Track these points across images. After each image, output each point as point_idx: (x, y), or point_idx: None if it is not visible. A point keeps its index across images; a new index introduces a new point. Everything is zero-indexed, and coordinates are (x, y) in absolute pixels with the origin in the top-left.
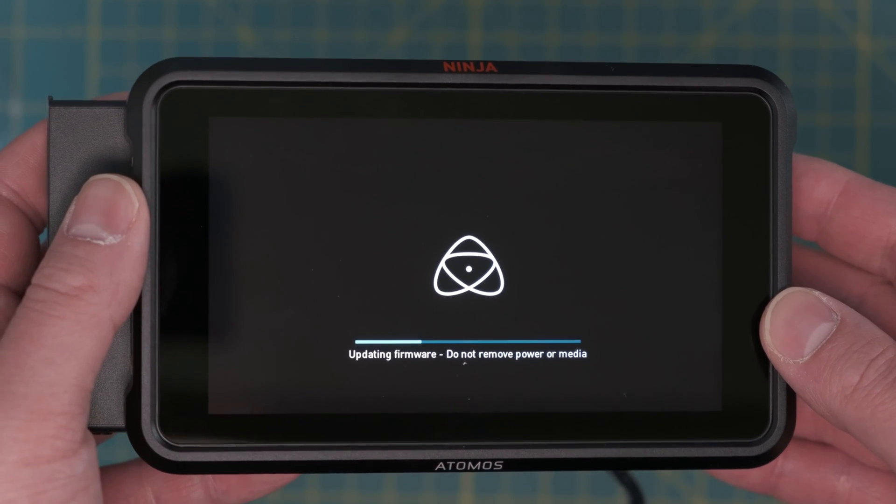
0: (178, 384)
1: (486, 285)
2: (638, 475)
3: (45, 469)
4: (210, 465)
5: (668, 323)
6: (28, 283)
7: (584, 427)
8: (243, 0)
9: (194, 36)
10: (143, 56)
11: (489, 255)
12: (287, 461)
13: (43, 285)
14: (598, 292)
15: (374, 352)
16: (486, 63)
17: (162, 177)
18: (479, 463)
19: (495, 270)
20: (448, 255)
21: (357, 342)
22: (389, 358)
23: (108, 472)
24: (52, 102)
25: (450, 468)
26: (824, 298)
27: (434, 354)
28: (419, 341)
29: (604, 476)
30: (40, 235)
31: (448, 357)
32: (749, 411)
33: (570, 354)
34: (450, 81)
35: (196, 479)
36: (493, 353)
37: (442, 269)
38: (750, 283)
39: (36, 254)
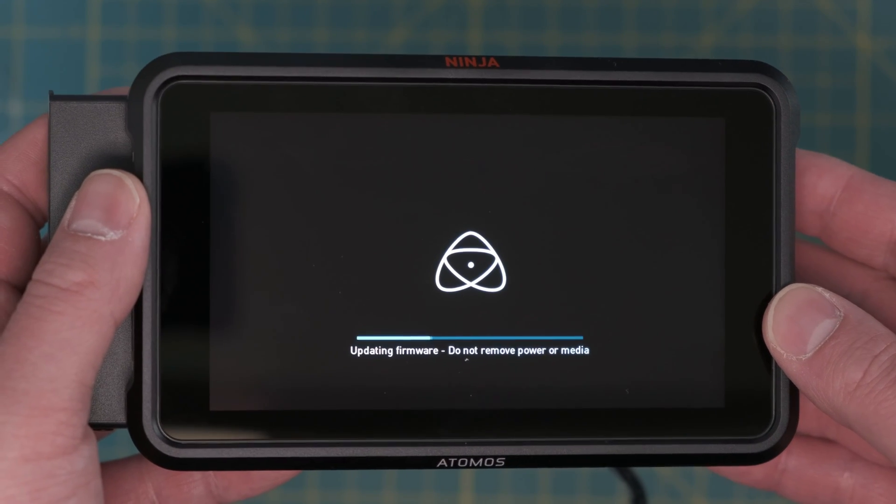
0: (180, 380)
1: (488, 281)
2: (639, 472)
3: (45, 465)
4: (211, 461)
5: (671, 319)
6: (29, 278)
7: (586, 423)
8: (243, 0)
9: (194, 36)
10: (143, 56)
11: (491, 251)
12: (288, 457)
13: (44, 281)
14: (601, 288)
15: (376, 348)
16: (488, 58)
17: (163, 172)
18: (480, 459)
19: (497, 266)
20: (450, 250)
21: (359, 338)
22: (391, 354)
23: (108, 468)
24: (53, 97)
25: (451, 464)
26: (827, 294)
27: (436, 351)
28: (421, 337)
29: (604, 475)
30: (41, 230)
31: (450, 353)
32: (752, 408)
33: (573, 351)
34: (452, 76)
35: (197, 475)
36: (495, 349)
37: (444, 265)
38: (753, 278)
39: (36, 249)
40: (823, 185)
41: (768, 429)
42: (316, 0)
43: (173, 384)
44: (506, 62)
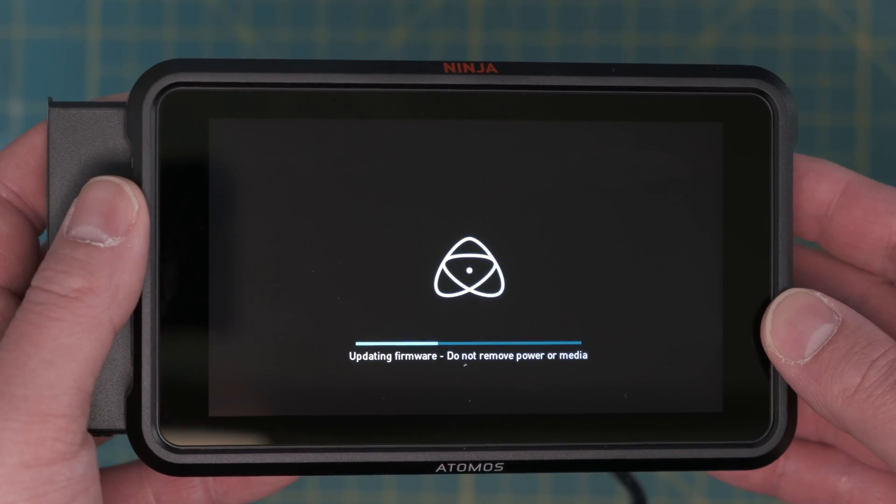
0: (179, 386)
1: (487, 287)
2: (638, 475)
3: (44, 471)
4: (210, 467)
5: (669, 324)
6: (28, 284)
7: (584, 428)
8: (243, 0)
9: (194, 36)
10: (143, 56)
11: (490, 256)
12: (288, 463)
13: (42, 287)
14: (599, 294)
15: (375, 353)
16: (486, 64)
17: (162, 178)
18: (479, 464)
19: (496, 272)
20: (448, 256)
21: (357, 344)
22: (390, 360)
23: (107, 473)
24: (52, 104)
25: (450, 470)
26: (825, 299)
27: (435, 356)
28: (420, 343)
29: (604, 477)
30: (40, 237)
31: (449, 359)
32: (750, 412)
33: (571, 356)
34: (450, 82)
35: (196, 480)
36: (493, 354)
37: (442, 271)
38: (751, 283)
39: (35, 255)
40: (821, 189)
41: (766, 433)
42: (316, 0)
43: (172, 390)
44: (504, 68)
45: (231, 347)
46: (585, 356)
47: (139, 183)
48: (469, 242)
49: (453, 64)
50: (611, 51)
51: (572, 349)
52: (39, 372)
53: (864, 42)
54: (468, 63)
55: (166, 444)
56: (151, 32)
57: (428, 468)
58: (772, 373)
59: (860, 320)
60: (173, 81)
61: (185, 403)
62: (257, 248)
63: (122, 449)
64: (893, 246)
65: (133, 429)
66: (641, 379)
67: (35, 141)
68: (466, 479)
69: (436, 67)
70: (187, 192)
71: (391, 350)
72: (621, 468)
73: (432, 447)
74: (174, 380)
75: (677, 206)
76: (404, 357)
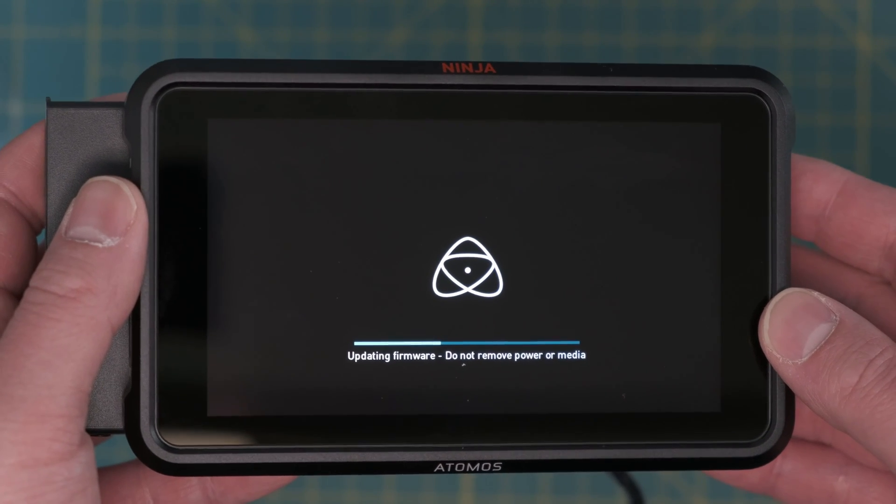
0: (177, 386)
1: (485, 286)
2: (637, 475)
3: (42, 471)
4: (209, 466)
5: (667, 324)
6: (26, 284)
7: (583, 428)
8: (243, 0)
9: (194, 36)
10: (143, 56)
11: (488, 256)
12: (286, 463)
13: (41, 288)
14: (597, 293)
15: (373, 353)
16: (484, 64)
17: (160, 179)
18: (478, 464)
19: (494, 272)
20: (447, 256)
21: (356, 344)
22: (388, 359)
23: (105, 473)
24: (50, 104)
25: (449, 469)
26: (823, 299)
27: (433, 356)
28: (418, 343)
29: (604, 477)
30: (38, 237)
31: (447, 358)
32: (748, 412)
33: (569, 355)
34: (448, 82)
35: (194, 480)
36: (492, 354)
37: (441, 271)
38: (748, 283)
39: (33, 255)
40: (819, 189)
41: (764, 433)
42: (316, 0)
43: (171, 390)
44: (503, 68)
45: (229, 347)
46: (583, 356)
47: (137, 183)
48: (467, 242)
49: (451, 64)
50: (611, 51)
51: (570, 349)
52: (37, 372)
53: (864, 42)
54: (466, 63)
55: (164, 444)
56: (151, 32)
57: (426, 468)
58: (769, 372)
59: (857, 320)
60: (172, 81)
61: (184, 403)
62: (256, 248)
63: (120, 449)
64: (890, 246)
65: (131, 429)
66: (639, 379)
67: (33, 141)
68: (466, 480)
69: (434, 67)
70: (186, 193)
71: (390, 350)
72: (619, 468)
73: (431, 447)
74: (172, 380)
75: (675, 206)
76: (403, 357)
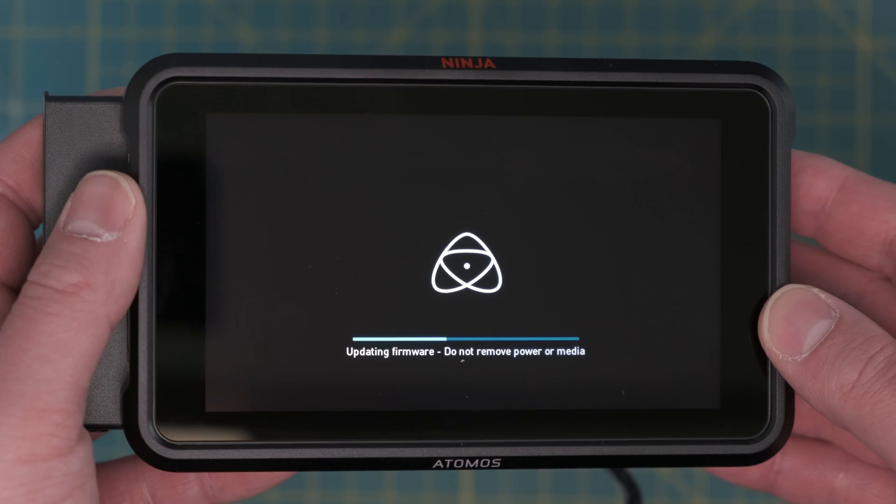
0: (175, 381)
1: (484, 282)
2: (637, 473)
3: (41, 467)
4: (207, 462)
5: (667, 320)
6: (24, 279)
7: (582, 424)
8: (243, 0)
9: (194, 36)
10: (143, 56)
11: (487, 252)
12: (284, 459)
13: (39, 282)
14: (597, 289)
15: (372, 349)
16: (484, 59)
17: (159, 173)
18: (476, 460)
19: (493, 267)
20: (446, 252)
21: (355, 339)
22: (387, 355)
23: (103, 468)
24: (49, 98)
25: (447, 466)
26: (823, 295)
27: (432, 352)
28: (417, 339)
29: (604, 475)
30: (36, 231)
31: (446, 354)
32: (747, 409)
33: (569, 352)
34: (448, 77)
35: (192, 476)
36: (491, 350)
37: (440, 267)
38: (748, 279)
39: (32, 250)
40: (819, 185)
41: (764, 430)
42: (316, 0)
43: (169, 385)
44: (502, 63)
45: (228, 343)
46: (583, 352)
47: (136, 177)
48: (466, 238)
49: (451, 59)
50: (611, 51)
51: (570, 345)
52: (36, 367)
53: (864, 42)
54: (466, 58)
55: (162, 440)
56: (151, 32)
57: (425, 464)
58: (769, 369)
59: (857, 316)
60: (170, 76)
61: (182, 399)
62: (254, 243)
63: (118, 443)
64: (890, 242)
65: (129, 424)
66: (639, 375)
67: (31, 135)
68: (466, 479)
69: (433, 62)
70: (184, 187)
71: (388, 346)
72: (618, 464)
73: (429, 443)
74: (170, 375)
75: (675, 202)
76: (402, 353)
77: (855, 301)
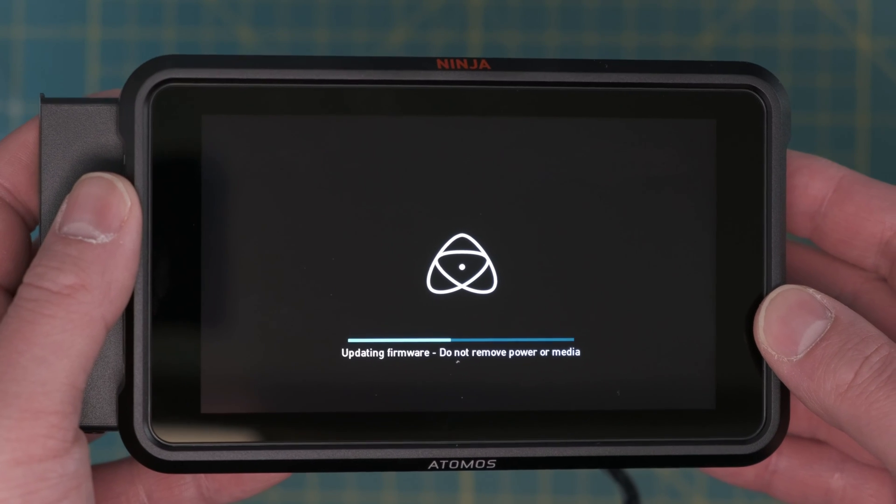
0: (171, 383)
1: (480, 283)
2: (636, 473)
3: (36, 468)
4: (202, 464)
5: (662, 320)
6: (20, 281)
7: (577, 425)
8: (243, 0)
9: (194, 36)
10: (143, 56)
11: (482, 252)
12: (280, 460)
13: (35, 284)
14: (592, 290)
15: (367, 350)
16: (479, 60)
17: (154, 175)
18: (472, 461)
19: (488, 268)
20: (441, 252)
21: (350, 340)
22: (382, 356)
23: (99, 470)
24: (44, 100)
25: (443, 467)
26: (818, 296)
27: (427, 353)
28: (412, 340)
29: (604, 475)
30: (32, 233)
31: (441, 355)
32: (743, 409)
33: (564, 352)
34: (443, 78)
35: (188, 477)
36: (486, 351)
37: (435, 267)
38: (744, 280)
39: (28, 252)
40: (814, 186)
41: (759, 430)
42: (316, 0)
43: (164, 387)
44: (497, 64)
45: (223, 344)
46: (578, 353)
47: (131, 179)
48: (462, 239)
49: (446, 60)
50: (611, 51)
51: (565, 346)
52: (31, 369)
53: (864, 42)
54: (461, 59)
55: (158, 441)
56: (151, 32)
57: (420, 465)
58: (765, 369)
59: (853, 317)
60: (166, 78)
61: (177, 400)
62: (250, 244)
63: (114, 445)
64: (886, 242)
65: (125, 426)
66: (634, 376)
67: (27, 137)
68: (466, 479)
69: (429, 64)
70: (180, 189)
71: (384, 347)
72: (614, 465)
73: (425, 444)
74: (166, 376)
75: (670, 203)
76: (397, 354)
77: (851, 301)
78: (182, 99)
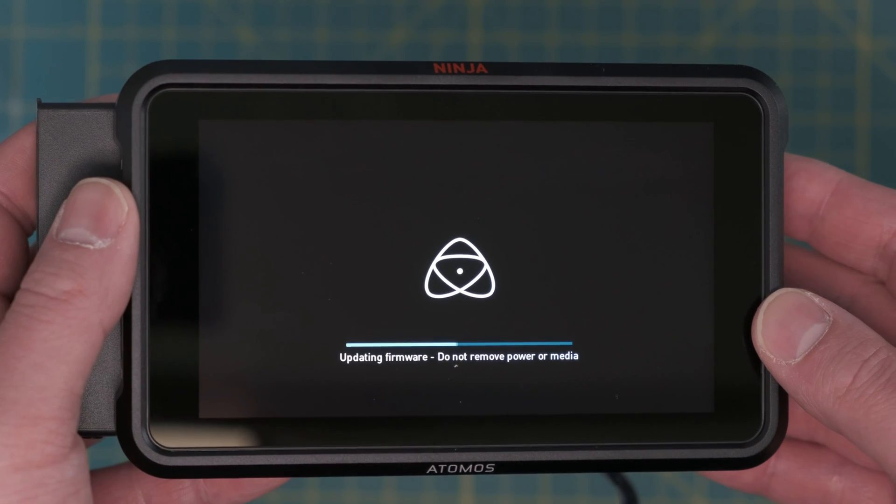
0: (169, 387)
1: (478, 287)
2: (636, 474)
3: (35, 474)
4: (201, 469)
5: (660, 324)
6: (17, 286)
7: (575, 429)
8: (243, 0)
9: (194, 36)
10: (143, 56)
11: (480, 257)
12: (278, 465)
13: (32, 290)
14: (590, 294)
15: (366, 354)
16: (476, 64)
17: (151, 180)
18: (470, 465)
19: (486, 272)
20: (439, 257)
21: (348, 345)
22: (380, 361)
23: (98, 475)
24: (41, 105)
25: (441, 471)
26: (816, 299)
27: (425, 357)
28: (410, 344)
29: (603, 477)
30: (29, 238)
31: (439, 360)
32: (741, 412)
33: (562, 356)
34: (440, 83)
35: (187, 482)
36: (484, 355)
37: (433, 272)
38: (742, 283)
39: (25, 257)
40: (812, 189)
41: (758, 433)
42: (316, 0)
43: (162, 391)
44: (494, 68)
45: (221, 349)
46: (576, 357)
47: (129, 184)
48: (459, 243)
49: (443, 64)
50: (611, 51)
51: (563, 350)
52: (29, 374)
53: (864, 42)
54: (458, 63)
55: (156, 446)
56: (151, 32)
57: (419, 469)
58: (763, 373)
59: (851, 320)
60: (163, 83)
61: (175, 405)
62: (247, 249)
63: (113, 450)
64: (884, 245)
65: (123, 431)
66: (632, 379)
67: (24, 142)
68: (466, 480)
69: (426, 68)
70: (177, 194)
71: (382, 351)
72: (612, 468)
73: (423, 448)
74: (164, 381)
75: (668, 206)
76: (395, 358)
77: (849, 305)
78: (179, 104)
